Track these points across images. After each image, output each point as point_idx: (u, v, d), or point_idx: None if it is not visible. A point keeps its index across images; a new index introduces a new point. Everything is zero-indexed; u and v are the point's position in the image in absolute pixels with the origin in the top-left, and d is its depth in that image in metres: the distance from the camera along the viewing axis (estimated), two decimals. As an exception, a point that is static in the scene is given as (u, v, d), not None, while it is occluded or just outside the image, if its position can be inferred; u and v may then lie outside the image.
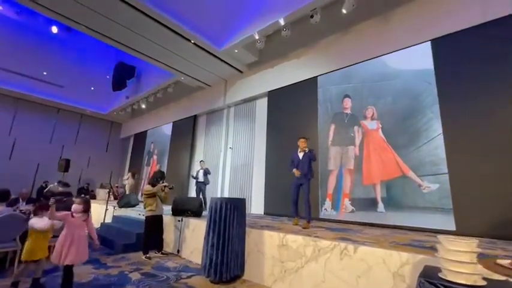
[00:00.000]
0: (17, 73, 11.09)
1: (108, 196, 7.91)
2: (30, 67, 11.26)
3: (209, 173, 7.97)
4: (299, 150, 4.67)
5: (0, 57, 10.49)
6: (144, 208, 4.96)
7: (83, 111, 13.81)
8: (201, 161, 8.38)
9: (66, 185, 8.27)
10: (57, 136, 13.18)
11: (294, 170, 4.55)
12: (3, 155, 11.47)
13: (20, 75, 11.16)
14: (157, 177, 5.41)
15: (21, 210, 4.42)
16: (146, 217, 4.90)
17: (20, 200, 5.18)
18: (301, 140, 4.65)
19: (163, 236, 5.10)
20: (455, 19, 4.76)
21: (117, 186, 11.81)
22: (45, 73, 11.69)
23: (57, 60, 11.67)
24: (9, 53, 10.54)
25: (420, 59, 5.13)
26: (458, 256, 1.76)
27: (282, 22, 6.22)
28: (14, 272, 3.37)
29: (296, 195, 4.56)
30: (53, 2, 6.15)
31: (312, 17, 5.88)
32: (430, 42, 5.05)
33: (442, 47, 4.90)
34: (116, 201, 8.73)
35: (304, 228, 4.18)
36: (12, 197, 5.43)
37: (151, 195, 4.93)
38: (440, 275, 1.82)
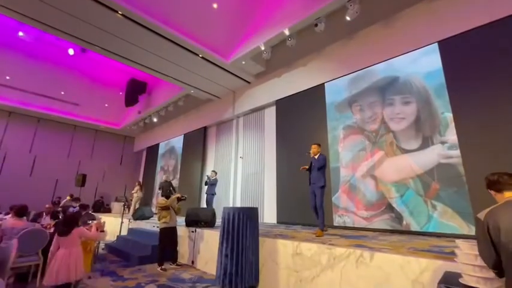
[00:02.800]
0: (38, 94, 11.71)
1: (124, 209, 8.07)
2: (49, 88, 11.86)
3: (209, 183, 7.91)
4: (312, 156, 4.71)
5: (22, 79, 11.13)
6: (159, 220, 5.03)
7: (97, 127, 14.33)
8: (212, 171, 8.45)
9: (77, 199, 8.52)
10: (74, 152, 13.68)
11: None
12: (24, 172, 11.98)
13: (40, 96, 11.77)
14: (167, 189, 5.52)
15: (42, 225, 4.59)
16: (160, 229, 4.97)
17: (44, 214, 5.38)
18: (312, 146, 4.75)
19: (178, 248, 5.15)
20: (462, 19, 4.73)
21: (130, 200, 12.04)
22: (62, 92, 12.28)
23: (73, 79, 12.25)
24: (30, 75, 11.17)
25: (428, 61, 5.09)
26: (478, 261, 1.71)
27: (287, 32, 6.35)
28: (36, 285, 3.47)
29: (314, 202, 4.54)
30: (69, 26, 6.52)
31: (316, 25, 5.98)
32: (437, 43, 5.01)
33: (450, 47, 4.85)
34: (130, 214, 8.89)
35: (317, 236, 4.13)
36: (34, 212, 5.66)
37: (166, 208, 5.00)
38: (461, 280, 1.77)
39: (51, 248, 2.98)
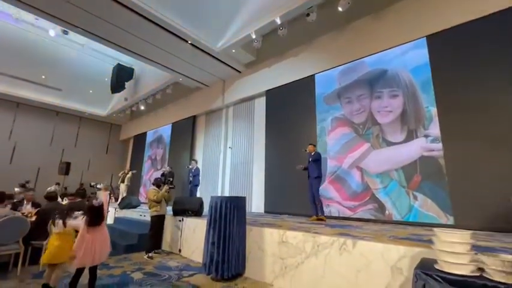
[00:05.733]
0: (16, 77, 11.11)
1: (110, 198, 7.94)
2: (28, 71, 11.27)
3: (192, 175, 7.84)
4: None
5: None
6: (149, 208, 5.01)
7: (82, 114, 13.84)
8: (192, 160, 8.42)
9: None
10: (57, 139, 13.20)
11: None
12: (3, 159, 11.50)
13: (18, 79, 11.18)
14: (169, 179, 5.70)
15: (23, 213, 4.45)
16: (152, 217, 4.96)
17: (25, 202, 5.21)
18: (309, 145, 5.32)
19: (164, 236, 5.16)
20: (451, 15, 4.79)
21: (117, 187, 11.84)
22: (43, 77, 11.71)
23: (55, 63, 11.67)
24: (7, 57, 10.55)
25: (416, 55, 5.16)
26: (453, 247, 1.79)
27: (278, 21, 6.25)
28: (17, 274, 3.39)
29: (312, 193, 5.06)
30: (49, 5, 6.17)
31: (308, 15, 5.92)
32: (425, 38, 5.07)
33: (438, 42, 4.93)
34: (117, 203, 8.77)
35: (319, 220, 4.78)
36: (15, 200, 5.46)
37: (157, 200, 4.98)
38: (436, 266, 1.86)
39: (80, 237, 2.96)
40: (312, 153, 5.17)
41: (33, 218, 4.24)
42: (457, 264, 1.76)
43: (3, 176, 10.90)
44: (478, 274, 1.69)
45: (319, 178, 5.07)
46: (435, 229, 1.99)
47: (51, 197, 4.75)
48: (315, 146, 5.39)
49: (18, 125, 12.11)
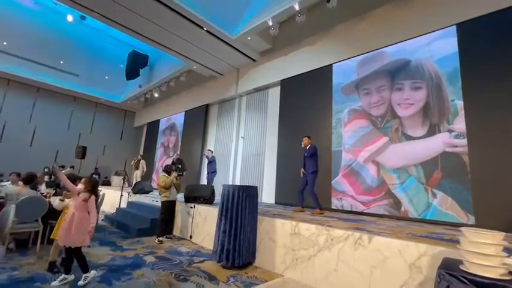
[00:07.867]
0: (35, 62, 11.37)
1: (123, 183, 8.12)
2: (47, 56, 11.49)
3: (208, 161, 7.97)
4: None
5: (19, 46, 10.76)
6: (160, 194, 5.09)
7: (97, 100, 14.09)
8: (208, 150, 8.46)
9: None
10: (74, 124, 13.56)
11: (302, 170, 5.15)
12: (24, 141, 11.94)
13: (38, 64, 11.44)
14: (177, 166, 5.77)
15: (42, 193, 4.60)
16: (162, 202, 5.04)
17: (39, 184, 5.40)
18: (304, 138, 5.23)
19: (176, 222, 5.24)
20: (485, 1, 4.43)
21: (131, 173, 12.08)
22: (61, 62, 11.93)
23: (73, 49, 11.85)
24: (27, 42, 10.78)
25: (443, 45, 4.84)
26: (483, 248, 1.68)
27: (296, 7, 6.01)
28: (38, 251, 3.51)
29: (302, 186, 5.09)
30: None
31: (328, 1, 5.65)
32: (455, 26, 4.74)
33: (469, 31, 4.59)
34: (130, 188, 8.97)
35: (313, 214, 4.65)
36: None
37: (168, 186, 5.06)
38: (461, 267, 1.75)
39: (95, 214, 2.95)
40: (308, 147, 5.01)
41: (51, 199, 4.38)
42: (486, 266, 1.65)
43: (23, 157, 11.38)
44: (509, 278, 1.57)
45: (315, 173, 4.92)
46: (462, 228, 1.87)
47: (73, 178, 4.86)
48: (310, 138, 5.21)
49: (38, 109, 12.48)
